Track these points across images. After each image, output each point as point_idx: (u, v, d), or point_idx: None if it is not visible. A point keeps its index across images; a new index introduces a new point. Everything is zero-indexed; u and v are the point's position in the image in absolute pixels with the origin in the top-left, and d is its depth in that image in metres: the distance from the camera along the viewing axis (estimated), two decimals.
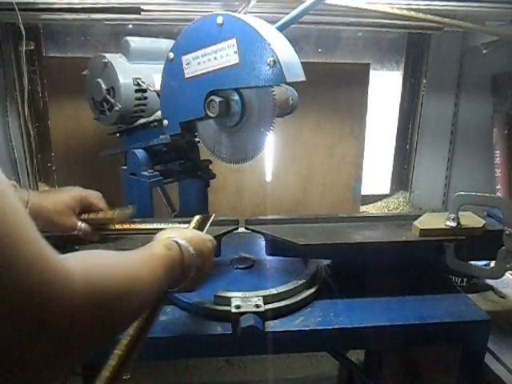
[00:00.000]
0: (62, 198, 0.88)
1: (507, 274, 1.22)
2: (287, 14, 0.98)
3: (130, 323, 0.50)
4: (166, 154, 1.27)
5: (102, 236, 0.97)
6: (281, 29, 0.96)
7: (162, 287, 0.60)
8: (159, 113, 1.09)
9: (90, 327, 0.40)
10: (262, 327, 0.82)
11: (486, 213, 1.13)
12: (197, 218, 0.95)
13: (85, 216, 0.94)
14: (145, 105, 1.19)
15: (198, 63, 0.93)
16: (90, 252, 0.47)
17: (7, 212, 0.35)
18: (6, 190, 0.36)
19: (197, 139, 1.10)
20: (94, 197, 0.95)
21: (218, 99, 0.92)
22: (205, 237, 0.78)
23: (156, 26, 1.57)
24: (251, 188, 1.79)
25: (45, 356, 0.37)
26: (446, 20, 1.49)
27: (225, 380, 1.79)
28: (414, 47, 1.90)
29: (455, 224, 0.98)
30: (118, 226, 1.00)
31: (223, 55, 0.89)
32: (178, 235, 0.69)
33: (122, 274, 0.46)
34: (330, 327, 0.86)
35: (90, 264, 0.42)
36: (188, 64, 0.95)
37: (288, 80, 0.85)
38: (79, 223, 0.90)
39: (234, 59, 0.88)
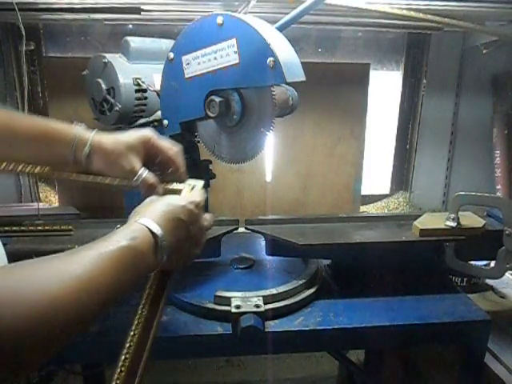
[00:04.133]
0: (125, 137, 0.72)
1: (507, 274, 1.22)
2: (287, 14, 0.98)
3: (67, 339, 0.45)
4: None
5: (167, 192, 0.75)
6: (281, 29, 0.96)
7: (119, 283, 0.52)
8: (159, 113, 1.09)
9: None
10: (262, 327, 0.81)
11: (486, 213, 1.13)
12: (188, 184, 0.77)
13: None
14: (145, 105, 1.19)
15: (198, 63, 0.93)
16: (11, 276, 0.42)
17: None
18: None
19: (197, 139, 1.10)
20: (166, 144, 0.76)
21: (218, 99, 0.92)
22: (184, 204, 0.66)
23: (156, 26, 1.57)
24: (251, 188, 1.78)
25: None
26: (446, 20, 1.49)
27: (225, 380, 1.79)
28: (414, 47, 1.90)
29: (455, 224, 0.98)
30: None
31: (223, 55, 0.89)
32: (149, 215, 0.62)
33: (49, 296, 0.42)
34: (330, 327, 0.86)
35: (12, 293, 0.39)
36: (188, 64, 0.95)
37: (288, 80, 0.85)
38: (141, 170, 0.72)
39: (234, 59, 0.88)
